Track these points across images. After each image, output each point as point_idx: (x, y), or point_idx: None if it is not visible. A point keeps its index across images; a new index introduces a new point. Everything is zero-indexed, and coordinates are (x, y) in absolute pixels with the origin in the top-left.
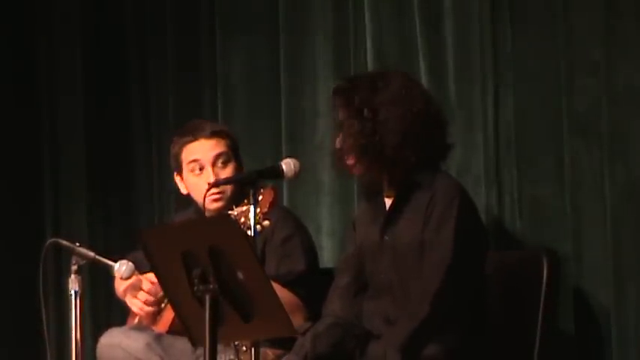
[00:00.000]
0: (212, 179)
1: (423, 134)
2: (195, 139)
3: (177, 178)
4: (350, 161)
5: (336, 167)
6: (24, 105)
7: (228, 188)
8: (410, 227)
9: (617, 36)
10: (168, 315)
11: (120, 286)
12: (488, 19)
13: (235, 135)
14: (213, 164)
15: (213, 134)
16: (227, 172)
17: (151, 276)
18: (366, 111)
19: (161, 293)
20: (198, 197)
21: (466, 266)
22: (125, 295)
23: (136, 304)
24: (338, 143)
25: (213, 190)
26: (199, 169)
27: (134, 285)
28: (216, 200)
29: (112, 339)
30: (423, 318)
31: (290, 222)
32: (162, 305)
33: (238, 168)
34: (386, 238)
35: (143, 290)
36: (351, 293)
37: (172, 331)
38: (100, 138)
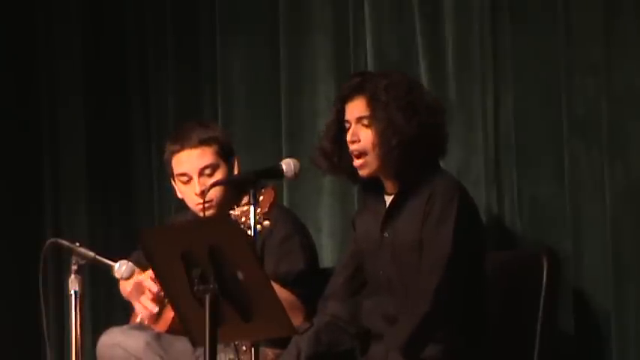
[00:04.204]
0: (198, 190)
1: (426, 133)
2: (183, 148)
3: (172, 183)
4: (359, 161)
5: (335, 169)
6: (24, 105)
7: (217, 194)
8: (409, 224)
9: (617, 36)
10: (168, 314)
11: (125, 287)
12: (488, 19)
13: (231, 135)
14: (200, 174)
15: (201, 143)
16: (214, 179)
17: (152, 273)
18: (394, 107)
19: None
20: (189, 205)
21: (465, 264)
22: (131, 296)
23: (140, 306)
24: (355, 137)
25: (200, 200)
26: (187, 180)
27: (137, 286)
28: (201, 210)
29: (112, 338)
30: (424, 315)
31: (289, 221)
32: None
33: (229, 171)
34: (385, 235)
35: (145, 287)
36: (348, 292)
37: (172, 330)
38: (100, 138)
